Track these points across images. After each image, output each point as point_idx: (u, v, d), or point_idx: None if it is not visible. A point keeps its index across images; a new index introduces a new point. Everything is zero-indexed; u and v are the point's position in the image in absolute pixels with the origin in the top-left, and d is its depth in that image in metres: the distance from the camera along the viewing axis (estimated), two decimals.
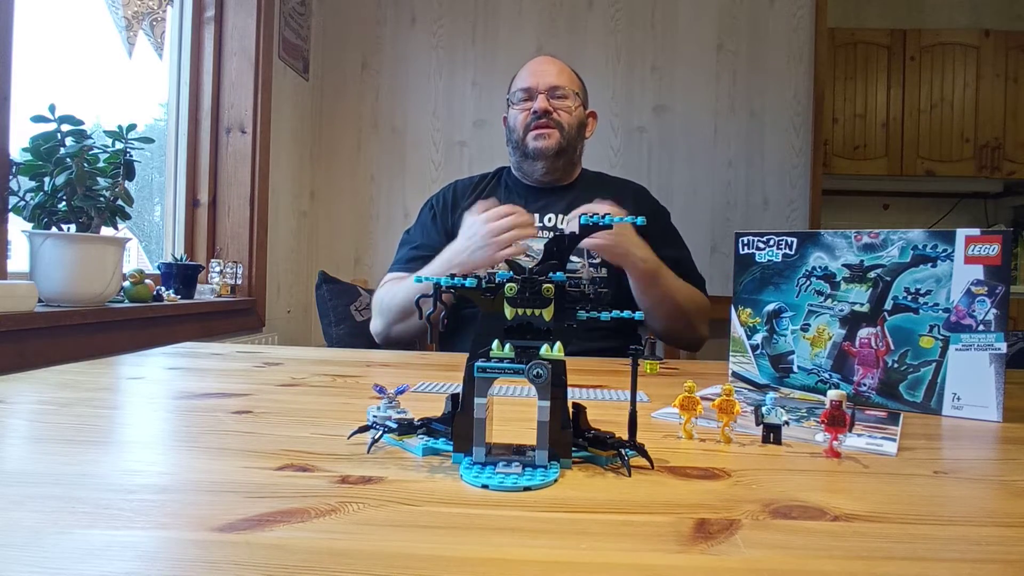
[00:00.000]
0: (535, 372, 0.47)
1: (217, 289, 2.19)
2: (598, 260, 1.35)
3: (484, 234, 1.11)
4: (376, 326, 1.37)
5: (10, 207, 1.41)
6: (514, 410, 0.70)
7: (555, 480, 0.47)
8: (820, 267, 0.82)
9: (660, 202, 1.55)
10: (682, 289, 1.30)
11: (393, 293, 1.31)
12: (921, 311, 0.75)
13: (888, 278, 0.77)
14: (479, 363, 0.48)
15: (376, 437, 0.53)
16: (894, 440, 0.60)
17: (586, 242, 0.95)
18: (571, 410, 0.51)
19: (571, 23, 2.95)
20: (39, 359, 1.33)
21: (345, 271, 2.92)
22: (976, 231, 0.72)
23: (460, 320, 1.39)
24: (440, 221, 1.47)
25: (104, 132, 1.48)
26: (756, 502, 0.43)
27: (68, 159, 1.37)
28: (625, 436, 0.51)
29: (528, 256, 1.28)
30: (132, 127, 1.47)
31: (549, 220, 1.41)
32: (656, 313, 1.29)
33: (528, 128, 1.42)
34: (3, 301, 1.25)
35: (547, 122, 1.40)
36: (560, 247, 0.53)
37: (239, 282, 2.34)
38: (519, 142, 1.44)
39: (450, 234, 1.41)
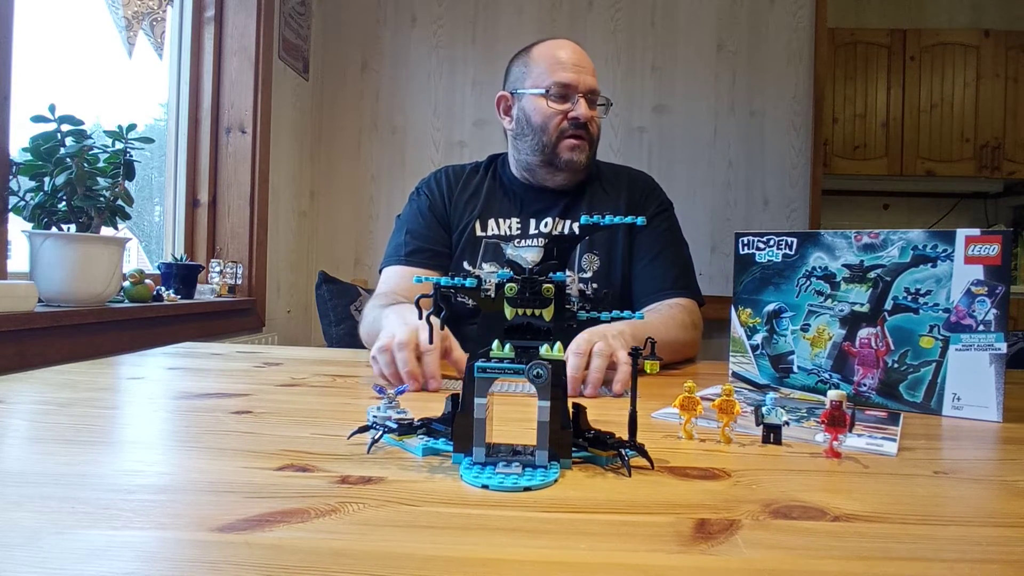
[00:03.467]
0: (535, 372, 0.47)
1: (217, 289, 2.19)
2: (589, 275, 1.27)
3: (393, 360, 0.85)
4: (362, 338, 1.24)
5: (10, 207, 1.41)
6: (514, 410, 0.70)
7: (555, 480, 0.47)
8: (820, 267, 0.82)
9: (662, 191, 1.39)
10: (667, 332, 1.13)
11: (372, 333, 1.10)
12: (921, 311, 0.75)
13: (888, 278, 0.77)
14: (479, 363, 0.48)
15: (376, 437, 0.53)
16: (894, 440, 0.60)
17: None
18: (571, 410, 0.51)
19: (571, 23, 2.95)
20: (39, 359, 1.33)
21: (345, 271, 2.92)
22: (976, 231, 0.72)
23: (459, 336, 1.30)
24: (436, 212, 1.35)
25: (104, 132, 1.48)
26: (756, 502, 0.43)
27: (68, 159, 1.37)
28: (625, 436, 0.51)
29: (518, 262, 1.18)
30: (132, 127, 1.47)
31: (545, 225, 1.30)
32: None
33: (563, 135, 1.26)
34: (3, 301, 1.25)
35: (584, 134, 1.26)
36: (560, 247, 0.53)
37: (239, 282, 2.34)
38: (548, 146, 1.27)
39: (446, 226, 1.34)
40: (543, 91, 1.26)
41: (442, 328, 0.86)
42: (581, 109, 1.24)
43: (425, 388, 0.83)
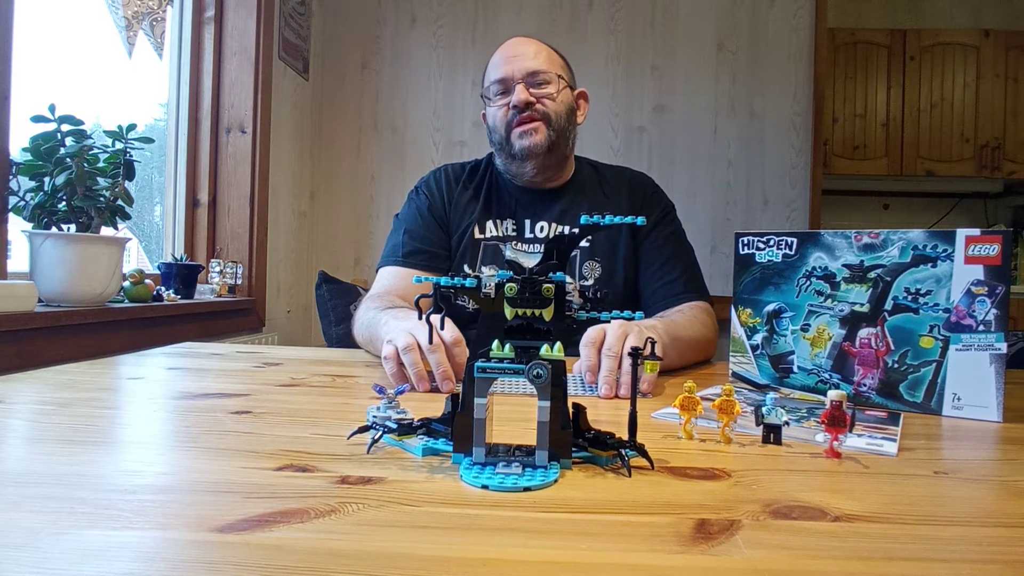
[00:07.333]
0: (535, 372, 0.47)
1: (217, 289, 2.19)
2: (590, 282, 1.26)
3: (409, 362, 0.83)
4: (355, 338, 1.22)
5: (10, 207, 1.41)
6: (514, 410, 0.70)
7: (555, 480, 0.47)
8: (820, 267, 0.81)
9: (664, 193, 1.38)
10: (693, 330, 1.13)
11: (367, 336, 1.11)
12: (921, 311, 0.75)
13: (888, 278, 0.77)
14: (479, 363, 0.48)
15: (376, 437, 0.53)
16: (894, 440, 0.60)
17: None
18: (571, 410, 0.51)
19: (571, 23, 2.95)
20: (39, 359, 1.33)
21: (345, 271, 2.92)
22: (976, 231, 0.72)
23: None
24: (435, 213, 1.34)
25: (104, 132, 1.48)
26: (756, 502, 0.43)
27: (68, 159, 1.37)
28: (625, 436, 0.51)
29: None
30: (132, 127, 1.47)
31: (541, 230, 1.29)
32: (680, 362, 1.08)
33: (511, 125, 1.26)
34: (3, 301, 1.25)
35: (531, 115, 1.24)
36: (560, 247, 0.53)
37: (239, 282, 2.34)
38: (503, 142, 1.29)
39: (445, 228, 1.33)
40: (487, 95, 1.32)
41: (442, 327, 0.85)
42: (517, 95, 1.24)
43: (438, 389, 0.81)
